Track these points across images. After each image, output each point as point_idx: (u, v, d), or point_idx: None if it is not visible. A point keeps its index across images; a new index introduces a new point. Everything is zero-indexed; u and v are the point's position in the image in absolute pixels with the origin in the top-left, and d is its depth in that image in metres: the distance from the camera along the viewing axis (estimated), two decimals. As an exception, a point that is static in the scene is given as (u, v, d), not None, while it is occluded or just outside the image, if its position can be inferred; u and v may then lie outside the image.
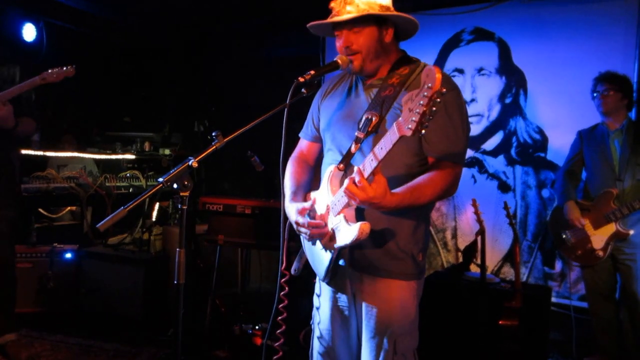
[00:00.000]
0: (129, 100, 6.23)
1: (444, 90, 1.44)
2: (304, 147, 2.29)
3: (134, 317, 4.03)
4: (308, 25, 1.96)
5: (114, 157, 5.33)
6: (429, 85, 1.43)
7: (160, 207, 5.07)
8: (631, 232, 3.26)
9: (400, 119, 1.55)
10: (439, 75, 1.42)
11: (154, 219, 4.92)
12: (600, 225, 3.35)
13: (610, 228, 3.32)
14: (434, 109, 1.46)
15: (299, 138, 2.33)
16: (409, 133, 1.51)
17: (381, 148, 1.62)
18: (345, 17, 1.84)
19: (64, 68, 3.16)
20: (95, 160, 5.20)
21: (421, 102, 1.46)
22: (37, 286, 4.10)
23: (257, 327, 3.70)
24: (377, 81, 1.98)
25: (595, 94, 3.45)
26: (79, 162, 4.95)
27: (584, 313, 3.76)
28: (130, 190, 4.94)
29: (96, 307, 4.16)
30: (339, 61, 1.90)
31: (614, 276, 3.45)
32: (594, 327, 3.52)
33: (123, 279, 4.10)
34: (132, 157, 5.37)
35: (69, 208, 5.02)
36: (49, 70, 3.14)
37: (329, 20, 1.89)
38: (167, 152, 5.41)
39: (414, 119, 1.48)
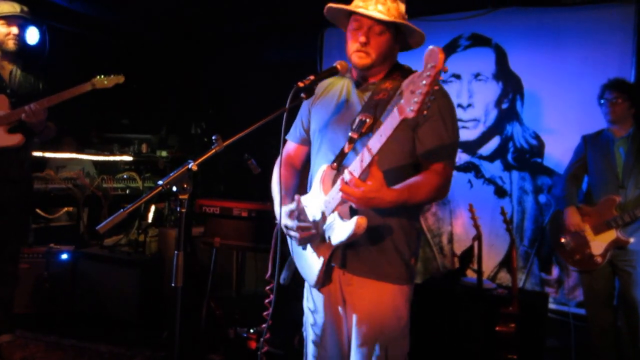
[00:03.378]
0: (127, 102, 6.23)
1: (447, 69, 1.44)
2: (291, 150, 2.28)
3: (129, 319, 4.02)
4: (329, 5, 1.93)
5: (111, 158, 5.33)
6: (432, 64, 1.42)
7: (156, 209, 5.06)
8: (631, 240, 3.23)
9: (401, 101, 1.52)
10: (442, 55, 1.41)
11: (150, 220, 4.91)
12: (601, 231, 3.32)
13: (611, 235, 3.29)
14: (436, 88, 1.44)
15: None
16: (411, 115, 1.49)
17: (381, 135, 1.61)
18: (378, 16, 1.83)
19: (113, 75, 3.26)
20: (93, 161, 5.20)
21: (424, 82, 1.44)
22: (32, 287, 4.08)
23: (252, 331, 3.70)
24: (371, 85, 1.99)
25: (602, 101, 3.40)
26: (78, 164, 4.95)
27: (580, 320, 3.75)
28: (127, 192, 4.94)
29: (91, 309, 4.14)
30: (338, 67, 1.90)
31: (613, 282, 3.43)
32: (592, 333, 3.49)
33: (118, 281, 4.08)
34: (130, 158, 5.37)
35: (65, 209, 5.02)
36: (99, 77, 3.22)
37: (362, 11, 1.85)
38: (164, 154, 5.41)
39: (416, 100, 1.46)
